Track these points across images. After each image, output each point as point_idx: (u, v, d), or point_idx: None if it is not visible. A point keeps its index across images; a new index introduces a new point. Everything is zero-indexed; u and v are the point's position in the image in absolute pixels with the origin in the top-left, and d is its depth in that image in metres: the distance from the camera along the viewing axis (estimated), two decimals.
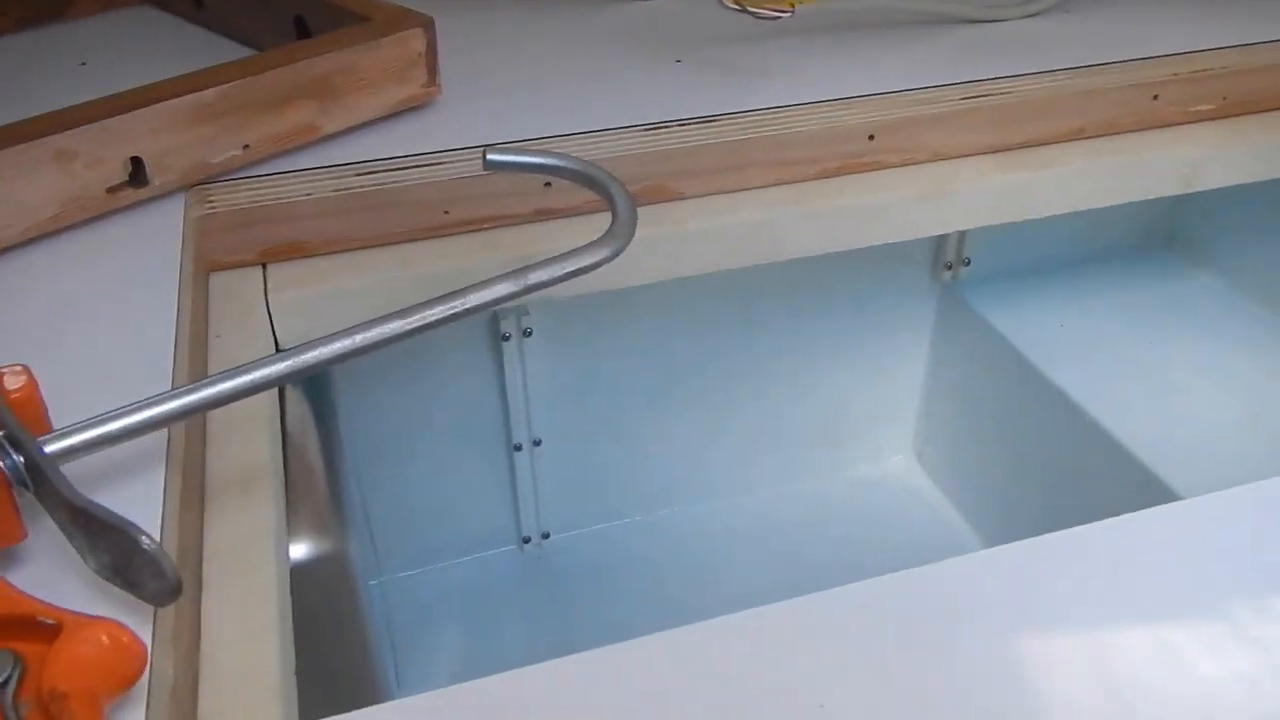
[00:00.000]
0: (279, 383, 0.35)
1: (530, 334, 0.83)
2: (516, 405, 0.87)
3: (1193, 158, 0.69)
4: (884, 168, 0.64)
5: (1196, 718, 0.29)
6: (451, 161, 0.58)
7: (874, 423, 1.04)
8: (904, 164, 0.65)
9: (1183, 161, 0.69)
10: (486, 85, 0.65)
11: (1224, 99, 0.70)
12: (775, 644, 0.32)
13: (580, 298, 0.84)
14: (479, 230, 0.59)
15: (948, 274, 0.94)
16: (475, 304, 0.38)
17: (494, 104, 0.63)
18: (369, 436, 0.85)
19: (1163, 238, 1.02)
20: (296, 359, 0.35)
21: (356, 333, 0.37)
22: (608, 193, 0.44)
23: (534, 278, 0.40)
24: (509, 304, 0.57)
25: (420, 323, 0.37)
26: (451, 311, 0.37)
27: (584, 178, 0.46)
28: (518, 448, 0.89)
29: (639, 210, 0.61)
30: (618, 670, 0.31)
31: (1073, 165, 0.66)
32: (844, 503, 1.02)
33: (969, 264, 0.94)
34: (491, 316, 0.82)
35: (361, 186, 0.57)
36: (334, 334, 0.37)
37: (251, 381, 0.34)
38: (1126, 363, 0.86)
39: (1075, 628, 0.32)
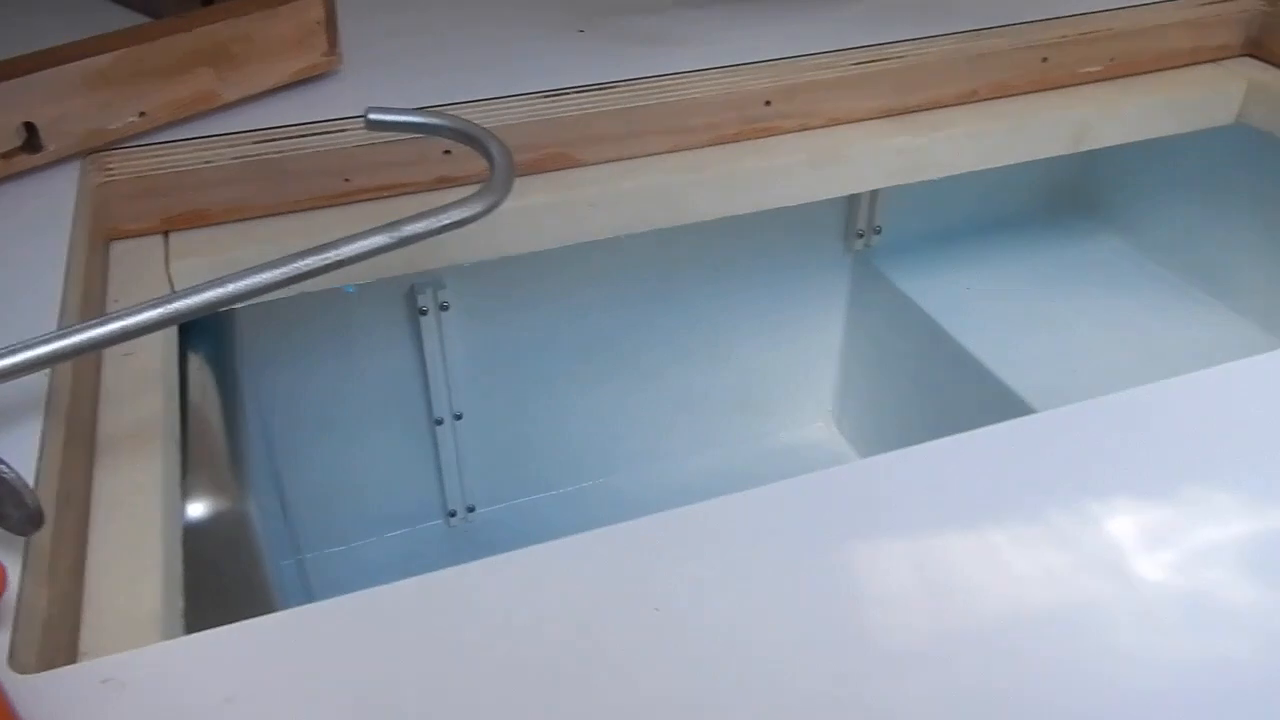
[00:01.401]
0: (146, 329, 0.36)
1: (447, 308, 0.84)
2: (436, 379, 0.87)
3: (1082, 118, 0.71)
4: (781, 133, 0.66)
5: (1003, 605, 0.31)
6: (352, 129, 0.58)
7: (793, 390, 1.06)
8: (801, 129, 0.66)
9: (1072, 121, 0.71)
10: (388, 54, 0.65)
11: (1111, 60, 0.73)
12: (625, 557, 0.34)
13: (498, 271, 0.85)
14: (380, 198, 0.60)
15: (860, 242, 0.97)
16: (349, 254, 0.39)
17: (396, 73, 0.63)
18: (288, 413, 0.85)
19: (1070, 202, 1.05)
20: (166, 307, 0.36)
21: (229, 282, 0.37)
22: (485, 149, 0.45)
23: (408, 230, 0.40)
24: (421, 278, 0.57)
25: (294, 273, 0.38)
26: (325, 262, 0.38)
27: (461, 135, 0.47)
28: (439, 422, 0.90)
29: (540, 177, 0.62)
30: (477, 585, 0.32)
31: (966, 127, 0.68)
32: (765, 469, 1.04)
33: (880, 232, 0.97)
34: (408, 290, 0.82)
35: (261, 154, 0.57)
36: (206, 283, 0.38)
37: (121, 328, 0.35)
38: (1028, 321, 0.89)
39: (908, 532, 0.34)
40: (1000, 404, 0.82)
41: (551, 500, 1.00)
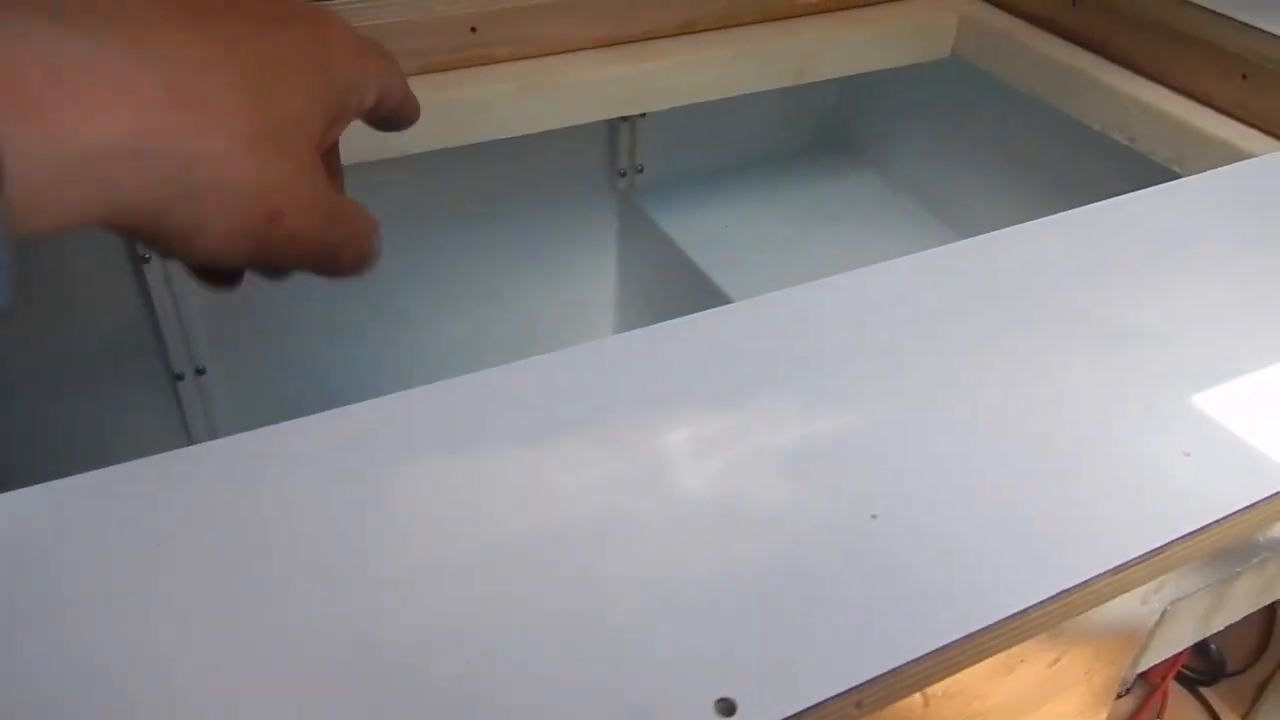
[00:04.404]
0: None
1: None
2: (171, 331, 0.83)
3: (802, 49, 0.72)
4: (492, 62, 0.64)
5: (540, 519, 0.32)
6: None
7: (571, 331, 1.05)
8: (513, 58, 0.65)
9: (793, 53, 0.72)
10: None
11: None
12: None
13: None
14: None
15: (623, 181, 0.96)
16: None
17: None
18: (4, 374, 0.79)
19: (833, 140, 1.07)
20: None
21: None
22: None
23: None
24: None
25: None
26: None
27: None
28: (179, 377, 0.85)
29: None
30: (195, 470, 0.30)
31: (686, 57, 0.68)
32: None
33: (642, 171, 0.96)
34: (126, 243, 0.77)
35: None
36: None
37: None
38: (782, 260, 0.91)
39: (464, 453, 0.33)
40: None
41: None
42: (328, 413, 0.36)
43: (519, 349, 1.03)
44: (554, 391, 0.37)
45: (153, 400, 0.86)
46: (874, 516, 0.32)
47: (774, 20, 0.73)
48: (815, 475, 0.34)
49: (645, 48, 0.68)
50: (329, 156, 0.35)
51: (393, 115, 0.38)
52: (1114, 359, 0.39)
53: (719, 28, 0.71)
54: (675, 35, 0.70)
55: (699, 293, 0.91)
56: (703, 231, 0.94)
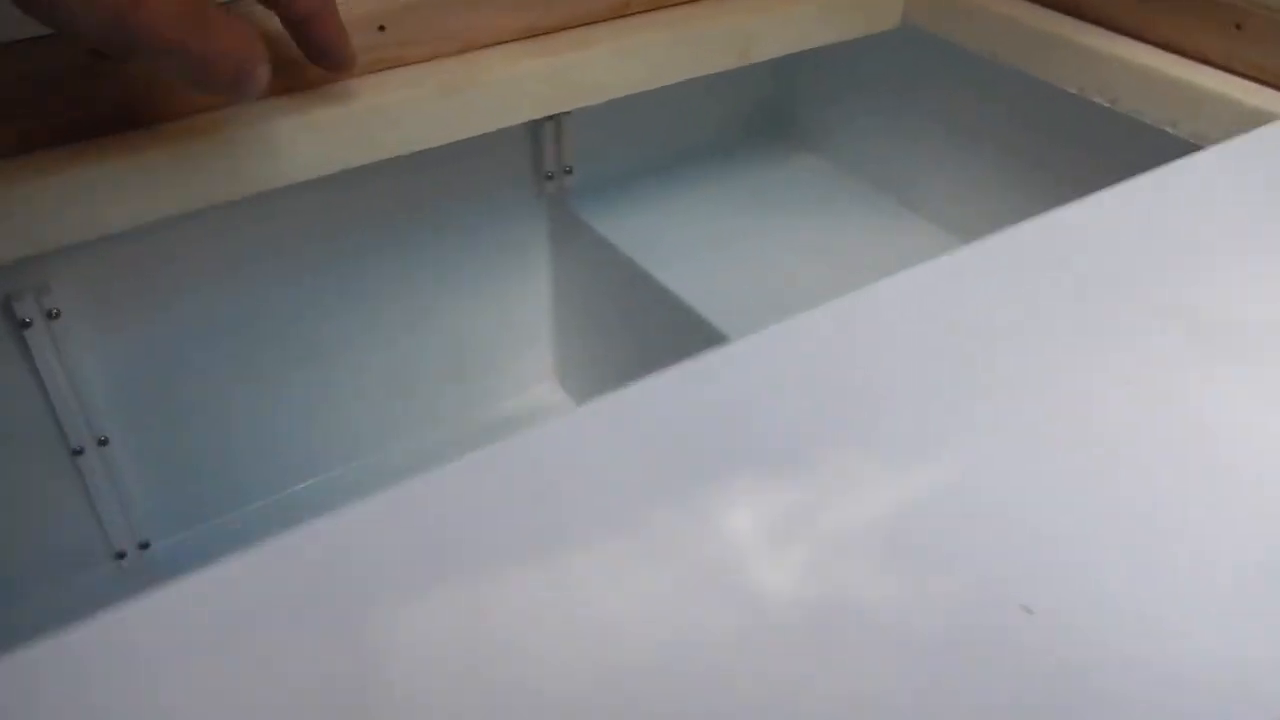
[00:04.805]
0: None
1: (57, 315, 0.69)
2: (64, 403, 0.73)
3: (745, 29, 0.66)
4: (405, 64, 0.56)
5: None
6: None
7: (509, 352, 0.98)
8: (430, 58, 0.57)
9: (736, 33, 0.66)
10: None
11: None
12: None
13: (112, 257, 0.71)
14: None
15: (551, 185, 0.89)
16: None
17: None
18: None
19: (769, 123, 1.01)
20: None
21: None
22: None
23: None
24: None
25: None
26: None
27: None
28: (78, 451, 0.75)
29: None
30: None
31: (619, 43, 0.61)
32: (493, 441, 0.96)
33: (571, 172, 0.89)
34: (1, 300, 0.67)
35: None
36: None
37: None
38: (721, 250, 0.85)
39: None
40: (700, 337, 0.77)
41: (248, 517, 0.87)
42: (284, 536, 0.28)
43: (451, 376, 0.95)
44: (544, 482, 0.29)
45: (50, 481, 0.76)
46: (1029, 610, 0.24)
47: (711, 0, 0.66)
48: (931, 556, 0.25)
49: (574, 35, 0.61)
50: None
51: (299, 20, 0.45)
52: (1228, 359, 0.33)
53: (653, 9, 0.64)
54: (607, 20, 0.62)
55: (645, 298, 0.84)
56: (642, 231, 0.87)
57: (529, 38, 0.60)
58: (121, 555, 0.82)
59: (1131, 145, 0.69)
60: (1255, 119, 0.55)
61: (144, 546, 0.83)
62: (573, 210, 0.89)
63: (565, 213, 0.90)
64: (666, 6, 0.65)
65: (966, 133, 0.82)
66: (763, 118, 1.01)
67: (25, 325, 0.69)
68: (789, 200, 0.92)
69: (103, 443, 0.76)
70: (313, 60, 0.48)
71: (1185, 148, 0.52)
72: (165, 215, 0.51)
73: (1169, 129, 0.58)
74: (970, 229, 0.85)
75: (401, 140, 0.55)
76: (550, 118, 0.83)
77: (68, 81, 0.47)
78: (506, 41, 0.59)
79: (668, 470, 0.29)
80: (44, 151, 0.48)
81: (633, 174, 0.93)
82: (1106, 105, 0.62)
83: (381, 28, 0.54)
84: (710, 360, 0.33)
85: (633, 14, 0.64)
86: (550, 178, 0.88)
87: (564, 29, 0.61)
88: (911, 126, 0.86)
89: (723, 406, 0.31)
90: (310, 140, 0.52)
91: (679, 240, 0.86)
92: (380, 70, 0.55)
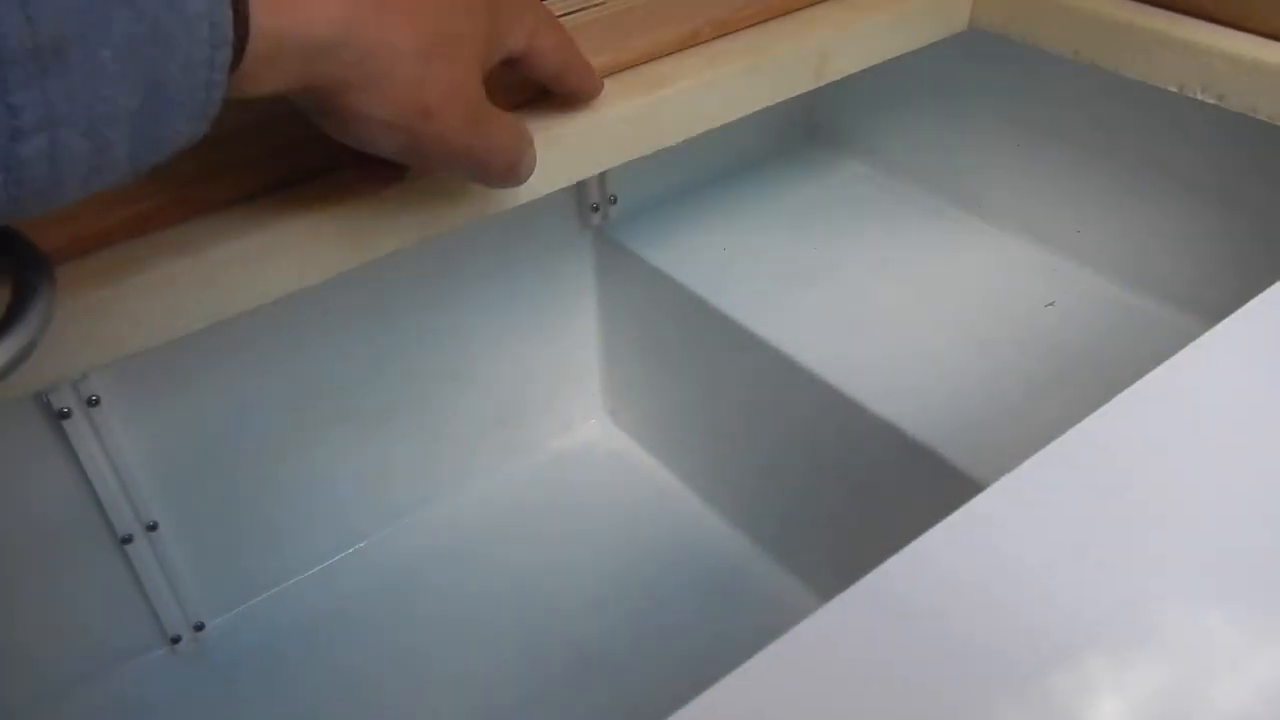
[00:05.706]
0: None
1: (97, 402, 0.65)
2: (109, 491, 0.68)
3: (819, 47, 0.62)
4: None
5: None
6: None
7: (557, 391, 0.93)
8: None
9: (810, 52, 0.62)
10: None
11: None
12: None
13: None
14: None
15: (596, 216, 0.85)
16: None
17: None
18: None
19: (802, 133, 0.97)
20: None
21: None
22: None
23: None
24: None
25: None
26: None
27: None
28: (127, 540, 0.71)
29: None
30: None
31: (696, 79, 0.57)
32: (545, 483, 0.92)
33: (615, 202, 0.85)
34: (34, 395, 0.62)
35: None
36: None
37: None
38: (792, 273, 0.80)
39: None
40: (779, 373, 0.73)
41: (300, 587, 0.83)
42: None
43: (505, 429, 0.91)
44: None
45: (100, 571, 0.71)
46: None
47: (783, 15, 0.62)
48: None
49: (647, 71, 0.56)
50: (491, 79, 0.39)
51: (553, 76, 0.46)
52: None
53: (723, 34, 0.60)
54: (677, 52, 0.58)
55: (704, 327, 0.80)
56: (694, 257, 0.83)
57: (602, 77, 0.55)
58: (177, 640, 0.77)
59: (1238, 141, 0.66)
60: None
61: (199, 628, 0.79)
62: (619, 240, 0.85)
63: (611, 243, 0.86)
64: (734, 31, 0.61)
65: (1032, 132, 0.78)
66: (800, 127, 0.97)
67: (64, 416, 0.64)
68: (840, 211, 0.88)
69: (151, 528, 0.72)
70: (567, 101, 0.50)
71: None
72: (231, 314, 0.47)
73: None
74: (1037, 231, 0.81)
75: (493, 202, 0.50)
76: None
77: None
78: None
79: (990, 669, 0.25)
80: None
81: (671, 195, 0.89)
82: (1213, 103, 0.58)
83: None
84: (973, 514, 0.29)
85: (701, 42, 0.59)
86: (595, 208, 0.84)
87: (633, 65, 0.57)
88: (970, 127, 0.83)
89: (1006, 572, 0.27)
90: (394, 214, 0.48)
91: (734, 263, 0.82)
92: None
